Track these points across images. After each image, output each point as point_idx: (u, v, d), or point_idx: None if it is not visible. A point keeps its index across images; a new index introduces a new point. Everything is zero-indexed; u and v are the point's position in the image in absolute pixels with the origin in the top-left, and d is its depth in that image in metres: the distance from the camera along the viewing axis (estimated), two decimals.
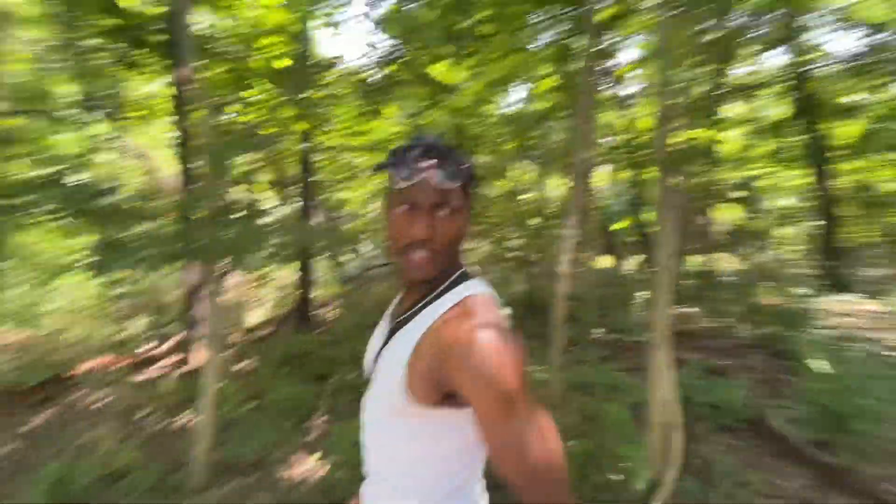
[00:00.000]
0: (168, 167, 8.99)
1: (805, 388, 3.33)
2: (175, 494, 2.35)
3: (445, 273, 0.74)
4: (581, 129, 3.10)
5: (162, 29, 4.83)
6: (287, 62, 5.67)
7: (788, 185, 14.23)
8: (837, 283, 7.71)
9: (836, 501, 2.01)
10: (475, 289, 0.73)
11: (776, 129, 12.61)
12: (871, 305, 6.73)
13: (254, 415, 3.43)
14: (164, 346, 5.53)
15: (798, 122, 10.80)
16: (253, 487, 2.38)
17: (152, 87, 8.11)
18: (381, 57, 5.05)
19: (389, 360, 0.72)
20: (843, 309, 6.42)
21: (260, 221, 2.62)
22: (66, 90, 7.46)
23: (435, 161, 0.69)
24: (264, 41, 5.38)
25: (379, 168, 0.73)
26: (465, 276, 0.76)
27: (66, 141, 7.73)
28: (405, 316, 0.75)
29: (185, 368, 4.99)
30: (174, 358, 5.55)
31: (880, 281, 8.57)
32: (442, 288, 0.73)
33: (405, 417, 0.69)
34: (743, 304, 6.56)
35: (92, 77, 6.38)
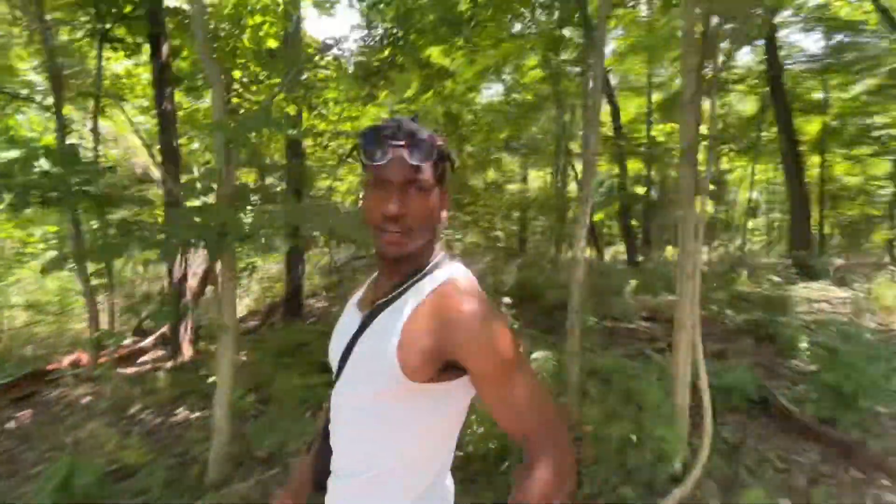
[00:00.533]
0: (140, 150, 8.54)
1: (808, 369, 3.52)
2: (194, 490, 2.25)
3: (425, 257, 0.75)
4: (589, 116, 3.10)
5: (140, 2, 4.52)
6: (274, 42, 5.44)
7: (757, 179, 14.91)
8: (808, 272, 8.11)
9: (851, 474, 2.12)
10: (458, 271, 0.74)
11: (747, 124, 13.13)
12: (840, 292, 7.12)
13: (262, 407, 3.33)
14: (149, 340, 5.28)
15: (765, 119, 11.28)
16: (274, 481, 2.30)
17: (121, 66, 7.65)
18: (375, 40, 4.91)
19: (373, 344, 0.70)
20: (817, 296, 6.77)
21: (271, 207, 2.49)
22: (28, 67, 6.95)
23: (406, 139, 0.69)
24: (251, 20, 5.13)
25: (352, 150, 0.74)
26: (443, 260, 0.77)
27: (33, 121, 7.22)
28: (385, 299, 0.73)
29: (172, 362, 4.79)
30: (158, 352, 5.32)
31: (845, 269, 9.08)
32: (425, 270, 0.73)
33: (394, 400, 0.68)
34: (727, 291, 6.83)
35: (61, 54, 5.94)
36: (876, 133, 11.97)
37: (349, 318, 0.80)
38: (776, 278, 7.74)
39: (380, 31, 5.11)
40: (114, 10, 4.47)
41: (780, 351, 4.10)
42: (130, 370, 4.65)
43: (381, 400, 0.68)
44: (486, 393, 0.65)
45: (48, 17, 4.27)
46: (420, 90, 5.81)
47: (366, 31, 4.81)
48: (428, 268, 0.74)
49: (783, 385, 3.29)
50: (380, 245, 0.72)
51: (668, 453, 1.85)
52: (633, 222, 12.10)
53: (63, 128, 4.14)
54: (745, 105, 14.91)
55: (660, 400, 2.00)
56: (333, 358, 0.79)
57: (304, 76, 5.31)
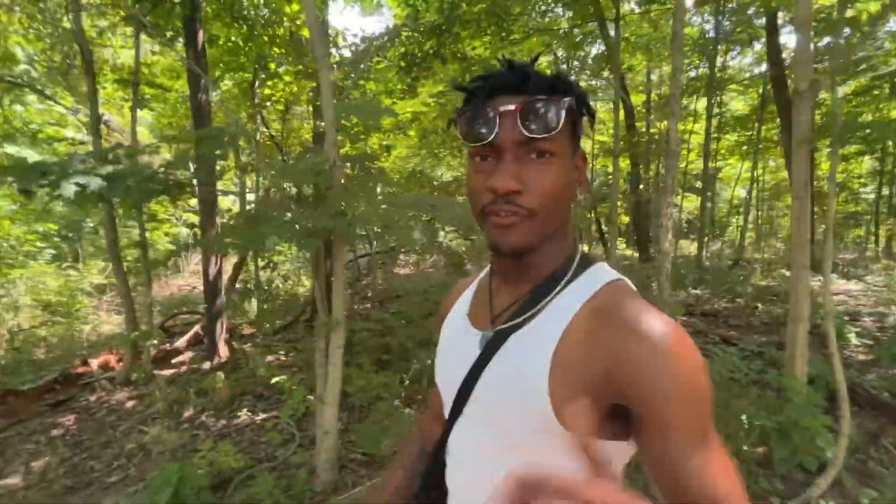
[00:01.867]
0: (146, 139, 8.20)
1: (864, 358, 3.62)
2: (309, 496, 2.15)
3: (559, 253, 0.56)
4: (673, 109, 3.09)
5: None
6: (307, 32, 5.27)
7: (745, 176, 15.36)
8: (815, 266, 8.37)
9: None
10: (610, 275, 0.54)
11: (742, 122, 13.47)
12: (852, 285, 7.38)
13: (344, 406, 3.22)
14: (183, 340, 5.06)
15: (759, 116, 11.60)
16: None
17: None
18: (420, 31, 4.81)
19: (509, 377, 0.52)
20: (833, 289, 7.00)
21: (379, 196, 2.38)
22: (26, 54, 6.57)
23: (519, 88, 0.50)
24: (288, 8, 4.95)
25: (450, 122, 0.55)
26: (587, 260, 0.57)
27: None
28: (518, 320, 0.54)
29: (209, 363, 4.60)
30: (190, 353, 5.11)
31: (851, 263, 9.42)
32: (568, 276, 0.54)
33: (540, 457, 0.49)
34: (745, 286, 6.98)
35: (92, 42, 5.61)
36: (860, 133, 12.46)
37: (461, 334, 0.60)
38: (787, 272, 7.98)
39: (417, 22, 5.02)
40: None
41: (815, 341, 4.21)
42: (167, 371, 4.44)
43: (520, 455, 0.50)
44: (670, 453, 0.44)
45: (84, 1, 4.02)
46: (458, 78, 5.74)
47: (411, 22, 4.69)
48: (570, 272, 0.54)
49: (850, 374, 3.36)
50: (491, 234, 0.52)
51: (812, 445, 1.86)
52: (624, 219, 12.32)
53: (97, 119, 3.90)
54: (737, 104, 15.37)
55: (807, 392, 2.00)
56: (447, 387, 0.61)
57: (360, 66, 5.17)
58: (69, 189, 1.62)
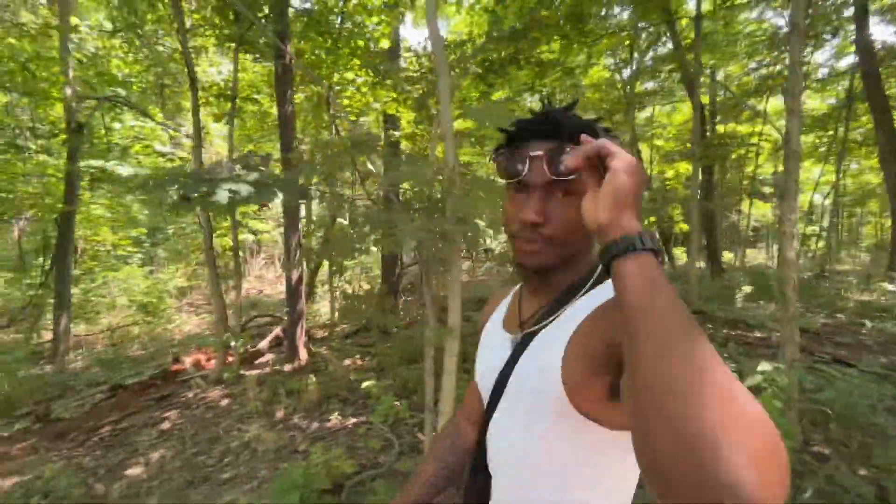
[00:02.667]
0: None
1: None
2: None
3: (578, 268, 0.64)
4: (793, 106, 2.85)
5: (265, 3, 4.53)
6: (386, 42, 5.39)
7: (823, 181, 14.10)
8: None
9: None
10: None
11: (820, 122, 12.40)
12: None
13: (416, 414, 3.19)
14: (265, 342, 5.27)
15: (843, 115, 10.61)
16: None
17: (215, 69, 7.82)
18: (498, 36, 4.78)
19: (529, 372, 0.60)
20: None
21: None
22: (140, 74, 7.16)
23: (551, 134, 0.60)
24: (369, 20, 5.09)
25: (494, 159, 0.65)
26: (604, 275, 0.63)
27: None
28: (539, 323, 0.63)
29: (290, 365, 4.74)
30: (272, 354, 5.30)
31: None
32: (585, 288, 0.62)
33: (560, 440, 0.57)
34: (843, 300, 6.36)
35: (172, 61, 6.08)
36: None
37: (496, 339, 0.70)
38: (889, 286, 7.20)
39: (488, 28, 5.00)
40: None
41: None
42: (252, 372, 4.62)
43: (547, 441, 0.58)
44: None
45: (188, 23, 4.33)
46: (530, 85, 5.66)
47: (492, 28, 4.68)
48: (589, 284, 0.62)
49: None
50: (517, 255, 0.63)
51: None
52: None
53: (199, 130, 4.17)
54: (812, 103, 14.21)
55: None
56: (484, 385, 0.70)
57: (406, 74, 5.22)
58: (223, 195, 1.69)
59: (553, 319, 0.61)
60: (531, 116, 0.63)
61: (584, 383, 0.54)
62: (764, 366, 2.56)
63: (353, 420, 3.41)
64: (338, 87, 5.32)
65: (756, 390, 2.40)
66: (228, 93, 4.85)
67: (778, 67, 10.65)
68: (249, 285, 12.76)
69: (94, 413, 3.73)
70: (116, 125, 7.88)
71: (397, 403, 3.37)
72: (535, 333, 0.62)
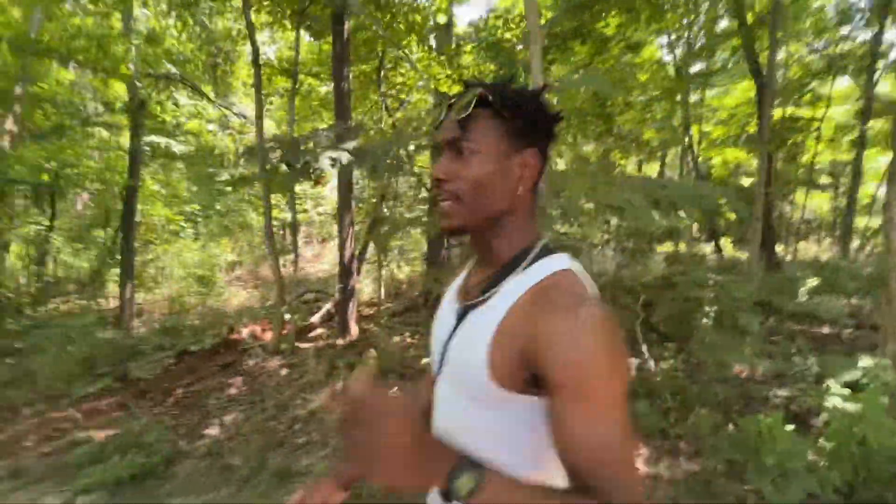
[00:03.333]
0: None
1: None
2: None
3: (517, 241, 0.65)
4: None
5: None
6: (443, 16, 5.27)
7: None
8: None
9: None
10: (562, 263, 0.61)
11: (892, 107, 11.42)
12: None
13: None
14: (317, 317, 5.40)
15: None
16: None
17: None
18: (563, 11, 4.58)
19: (465, 344, 0.63)
20: None
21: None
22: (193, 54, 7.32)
23: (460, 96, 0.61)
24: None
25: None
26: (546, 251, 0.64)
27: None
28: (479, 296, 0.64)
29: (341, 339, 4.85)
30: (323, 329, 5.44)
31: None
32: (523, 262, 0.63)
33: (484, 407, 0.61)
34: None
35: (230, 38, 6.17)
36: None
37: (446, 309, 0.73)
38: None
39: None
40: None
41: None
42: (306, 345, 4.75)
43: (472, 404, 0.61)
44: (555, 408, 0.52)
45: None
46: (588, 62, 5.44)
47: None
48: (529, 259, 0.63)
49: None
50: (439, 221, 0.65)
51: None
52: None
53: (261, 107, 4.22)
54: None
55: None
56: (435, 349, 0.72)
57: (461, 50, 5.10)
58: (325, 162, 1.68)
59: (489, 297, 0.62)
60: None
61: (507, 373, 0.56)
62: (865, 361, 2.41)
63: None
64: (389, 66, 5.26)
65: (857, 386, 2.26)
66: (286, 68, 4.87)
67: (848, 46, 9.82)
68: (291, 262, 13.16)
69: (167, 376, 3.94)
70: (170, 104, 8.14)
71: None
72: (473, 307, 0.64)
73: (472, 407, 0.61)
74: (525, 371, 0.55)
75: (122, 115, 6.74)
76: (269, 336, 4.99)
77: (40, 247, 8.22)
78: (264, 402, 3.46)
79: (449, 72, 5.00)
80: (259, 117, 4.25)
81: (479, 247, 0.67)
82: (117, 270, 7.18)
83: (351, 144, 1.78)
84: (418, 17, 4.99)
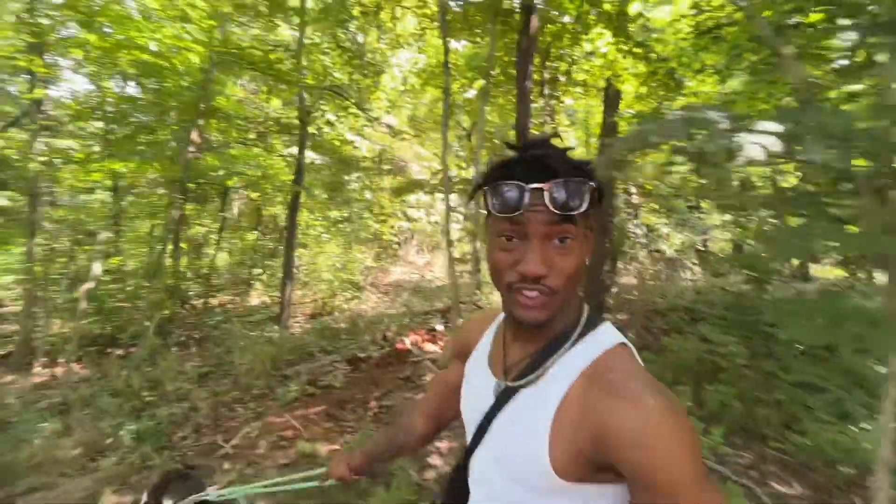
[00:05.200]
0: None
1: None
2: None
3: (567, 316, 0.61)
4: None
5: None
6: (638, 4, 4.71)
7: None
8: None
9: None
10: (612, 338, 0.60)
11: None
12: None
13: None
14: None
15: None
16: None
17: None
18: None
19: (518, 432, 0.59)
20: None
21: None
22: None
23: (553, 179, 0.55)
24: None
25: (475, 190, 0.62)
26: (592, 322, 0.62)
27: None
28: (524, 374, 0.61)
29: None
30: None
31: None
32: (572, 338, 0.60)
33: (544, 497, 0.57)
34: None
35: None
36: None
37: (481, 379, 0.69)
38: None
39: None
40: None
41: None
42: None
43: (533, 494, 0.58)
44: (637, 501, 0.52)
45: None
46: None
47: None
48: (575, 335, 0.60)
49: None
50: (516, 311, 0.58)
51: None
52: None
53: (448, 111, 4.04)
54: None
55: None
56: (469, 420, 0.70)
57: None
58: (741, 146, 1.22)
59: (538, 377, 0.60)
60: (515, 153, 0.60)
61: (569, 463, 0.54)
62: None
63: None
64: (572, 62, 4.82)
65: None
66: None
67: None
68: (403, 270, 13.35)
69: (354, 385, 3.84)
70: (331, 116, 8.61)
71: None
72: (520, 388, 0.61)
73: (530, 498, 0.58)
74: (593, 462, 0.54)
75: (290, 127, 7.17)
76: (427, 346, 4.79)
77: (202, 246, 9.15)
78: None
79: (644, 66, 4.42)
80: (445, 118, 4.07)
81: (534, 329, 0.61)
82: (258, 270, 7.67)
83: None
84: (609, 7, 4.50)
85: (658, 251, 9.63)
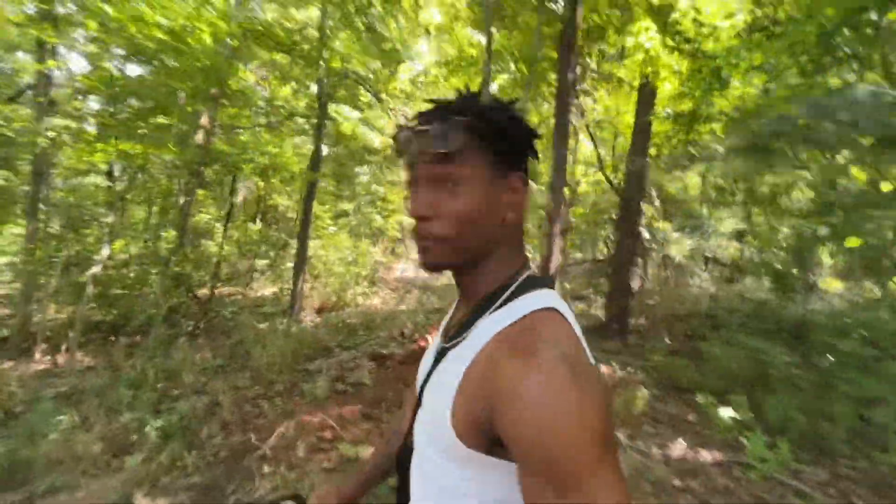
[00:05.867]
0: None
1: None
2: None
3: (499, 276, 0.59)
4: None
5: None
6: None
7: None
8: None
9: None
10: (542, 302, 0.55)
11: None
12: None
13: None
14: None
15: None
16: None
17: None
18: None
19: (437, 388, 0.57)
20: None
21: None
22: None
23: (431, 118, 0.55)
24: None
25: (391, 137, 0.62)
26: (529, 285, 0.58)
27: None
28: (455, 334, 0.59)
29: None
30: None
31: None
32: (500, 299, 0.57)
33: (450, 459, 0.53)
34: None
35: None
36: None
37: (433, 346, 0.69)
38: None
39: None
40: None
41: None
42: None
43: (440, 452, 0.55)
44: (521, 483, 0.46)
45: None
46: None
47: None
48: (505, 296, 0.57)
49: None
50: (418, 258, 0.59)
51: None
52: None
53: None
54: None
55: None
56: (417, 385, 0.67)
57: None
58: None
59: (463, 338, 0.58)
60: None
61: (471, 430, 0.51)
62: None
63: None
64: (611, 57, 4.67)
65: None
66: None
67: None
68: (406, 267, 13.14)
69: (381, 383, 3.65)
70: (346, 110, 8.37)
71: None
72: (449, 348, 0.60)
73: (442, 462, 0.55)
74: (486, 429, 0.49)
75: (308, 115, 6.95)
76: None
77: (208, 233, 8.87)
78: None
79: (688, 62, 4.28)
80: None
81: (462, 282, 0.62)
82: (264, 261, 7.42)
83: None
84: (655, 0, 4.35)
85: (668, 257, 9.53)
